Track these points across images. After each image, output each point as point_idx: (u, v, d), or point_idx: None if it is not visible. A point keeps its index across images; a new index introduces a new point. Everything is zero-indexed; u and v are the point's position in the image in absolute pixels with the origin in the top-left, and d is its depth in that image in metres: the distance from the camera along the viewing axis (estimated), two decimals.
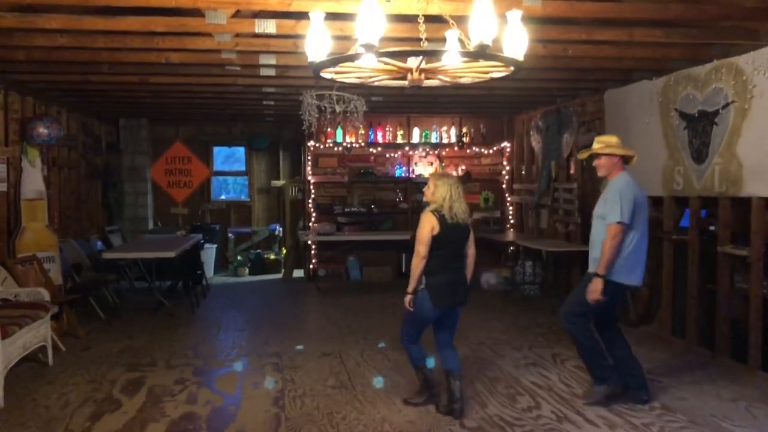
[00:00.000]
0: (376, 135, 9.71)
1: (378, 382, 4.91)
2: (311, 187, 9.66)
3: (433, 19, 3.81)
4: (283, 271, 10.21)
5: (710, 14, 4.36)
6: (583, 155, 4.59)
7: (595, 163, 4.44)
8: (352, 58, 2.93)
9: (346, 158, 9.78)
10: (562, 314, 4.43)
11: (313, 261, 9.61)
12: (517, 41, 2.93)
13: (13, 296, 5.52)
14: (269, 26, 4.41)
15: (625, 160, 4.41)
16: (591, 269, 4.33)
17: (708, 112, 5.45)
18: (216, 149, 11.23)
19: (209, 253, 9.92)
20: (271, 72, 5.95)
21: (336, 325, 6.78)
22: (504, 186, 10.01)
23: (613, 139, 4.41)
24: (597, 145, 4.40)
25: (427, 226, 4.02)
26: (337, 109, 6.64)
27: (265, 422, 4.10)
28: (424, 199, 4.27)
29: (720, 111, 5.30)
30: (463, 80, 3.48)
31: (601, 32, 4.78)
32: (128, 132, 10.31)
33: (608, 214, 4.21)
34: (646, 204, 4.35)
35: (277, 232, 10.81)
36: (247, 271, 10.39)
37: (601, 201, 4.40)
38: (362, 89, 6.23)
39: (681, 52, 5.37)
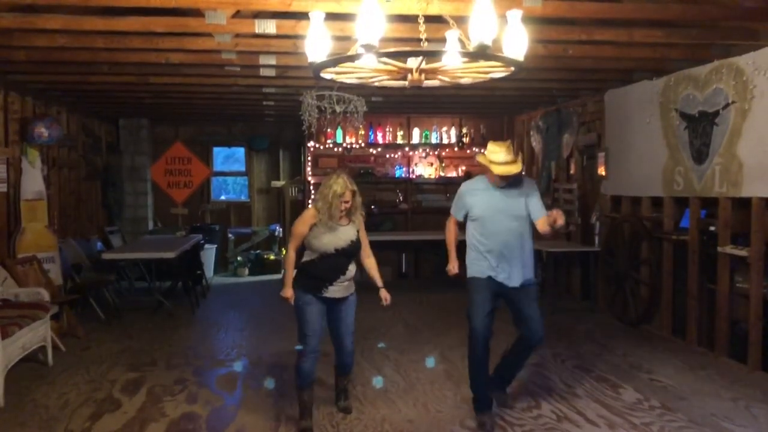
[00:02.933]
0: (376, 135, 9.71)
1: (378, 382, 4.92)
2: (311, 187, 9.65)
3: (433, 20, 3.81)
4: (283, 271, 10.20)
5: (710, 14, 4.37)
6: (513, 170, 4.03)
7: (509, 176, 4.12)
8: (352, 58, 2.93)
9: (346, 159, 9.78)
10: (542, 331, 4.15)
11: None
12: (517, 41, 2.93)
13: (13, 296, 5.52)
14: (269, 26, 4.41)
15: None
16: (527, 277, 4.12)
17: (708, 112, 5.45)
18: (216, 149, 11.22)
19: (209, 254, 9.91)
20: (271, 72, 5.95)
21: None
22: None
23: (510, 147, 4.13)
24: (511, 156, 4.04)
25: None
26: (337, 109, 6.63)
27: (265, 422, 4.10)
28: (347, 209, 4.06)
29: (720, 111, 5.30)
30: (463, 80, 3.47)
31: (601, 32, 4.78)
32: (128, 132, 10.30)
33: (542, 208, 4.13)
34: None
35: (277, 233, 10.81)
36: (247, 271, 10.39)
37: (511, 200, 4.12)
38: (362, 89, 6.23)
39: (681, 52, 5.37)
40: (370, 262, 4.27)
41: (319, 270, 3.99)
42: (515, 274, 4.08)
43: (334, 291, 4.02)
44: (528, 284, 4.13)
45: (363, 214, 4.23)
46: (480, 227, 4.18)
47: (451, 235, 4.43)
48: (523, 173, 4.27)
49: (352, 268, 4.10)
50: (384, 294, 4.21)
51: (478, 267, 4.14)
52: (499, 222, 4.10)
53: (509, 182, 4.14)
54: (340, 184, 3.97)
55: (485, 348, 4.08)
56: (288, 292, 4.01)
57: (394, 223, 9.84)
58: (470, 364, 4.17)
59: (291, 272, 4.08)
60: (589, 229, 7.61)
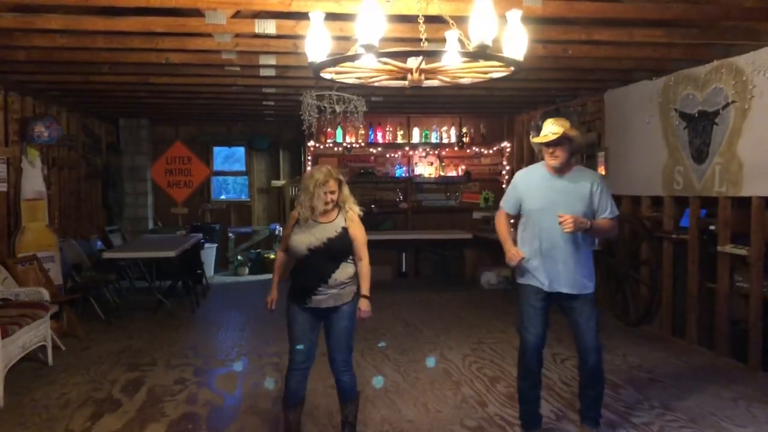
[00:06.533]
0: (376, 135, 9.72)
1: (378, 382, 4.91)
2: None
3: (433, 20, 3.82)
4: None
5: (710, 14, 4.37)
6: (552, 136, 3.53)
7: (556, 151, 3.57)
8: (352, 58, 2.93)
9: (346, 158, 9.78)
10: (595, 343, 3.67)
11: None
12: (517, 41, 2.92)
13: (13, 296, 5.53)
14: (269, 27, 4.42)
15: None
16: (582, 283, 3.70)
17: (708, 112, 5.45)
18: (216, 149, 11.24)
19: (209, 253, 9.92)
20: (271, 72, 5.95)
21: None
22: (504, 186, 10.00)
23: (559, 119, 3.58)
24: (557, 126, 3.52)
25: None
26: (337, 109, 6.64)
27: (265, 422, 4.10)
28: (332, 201, 3.56)
29: (720, 111, 5.30)
30: (463, 80, 3.47)
31: (601, 32, 4.78)
32: (128, 132, 10.31)
33: (608, 207, 3.66)
34: None
35: (277, 232, 10.81)
36: (247, 270, 10.39)
37: (573, 193, 3.61)
38: (362, 89, 6.24)
39: (681, 52, 5.37)
40: (360, 265, 3.61)
41: (300, 276, 3.56)
42: (566, 279, 3.66)
43: (319, 301, 3.52)
44: (582, 293, 3.69)
45: (359, 209, 3.71)
46: (532, 224, 3.68)
47: (502, 226, 3.83)
48: (560, 162, 3.60)
49: (339, 275, 3.52)
50: (363, 304, 3.55)
51: (526, 272, 3.74)
52: (554, 218, 3.50)
53: (564, 170, 3.63)
54: (323, 172, 3.52)
55: (538, 360, 3.74)
56: (270, 295, 3.65)
57: (394, 222, 9.85)
58: (521, 378, 3.82)
59: (276, 275, 3.74)
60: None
